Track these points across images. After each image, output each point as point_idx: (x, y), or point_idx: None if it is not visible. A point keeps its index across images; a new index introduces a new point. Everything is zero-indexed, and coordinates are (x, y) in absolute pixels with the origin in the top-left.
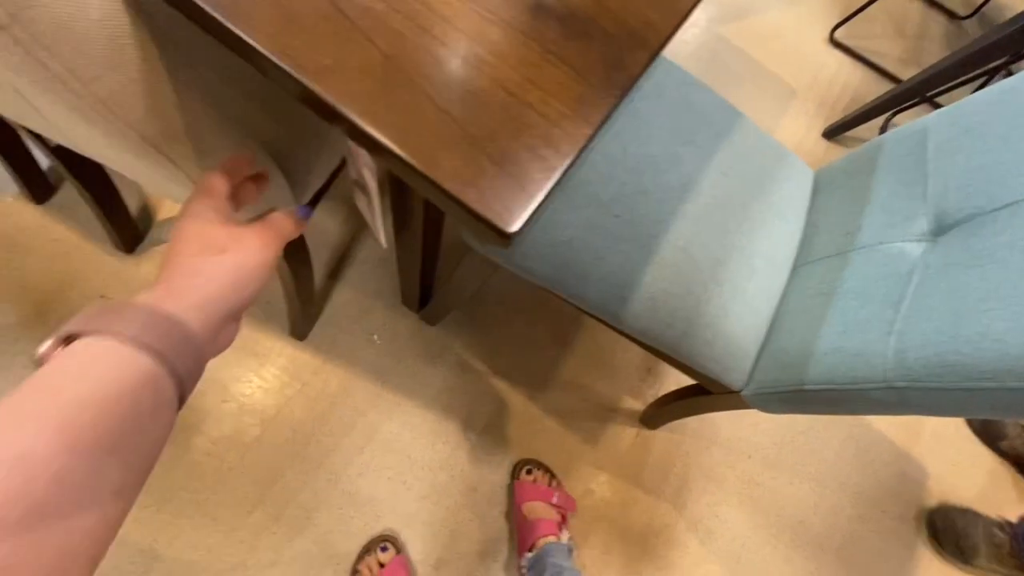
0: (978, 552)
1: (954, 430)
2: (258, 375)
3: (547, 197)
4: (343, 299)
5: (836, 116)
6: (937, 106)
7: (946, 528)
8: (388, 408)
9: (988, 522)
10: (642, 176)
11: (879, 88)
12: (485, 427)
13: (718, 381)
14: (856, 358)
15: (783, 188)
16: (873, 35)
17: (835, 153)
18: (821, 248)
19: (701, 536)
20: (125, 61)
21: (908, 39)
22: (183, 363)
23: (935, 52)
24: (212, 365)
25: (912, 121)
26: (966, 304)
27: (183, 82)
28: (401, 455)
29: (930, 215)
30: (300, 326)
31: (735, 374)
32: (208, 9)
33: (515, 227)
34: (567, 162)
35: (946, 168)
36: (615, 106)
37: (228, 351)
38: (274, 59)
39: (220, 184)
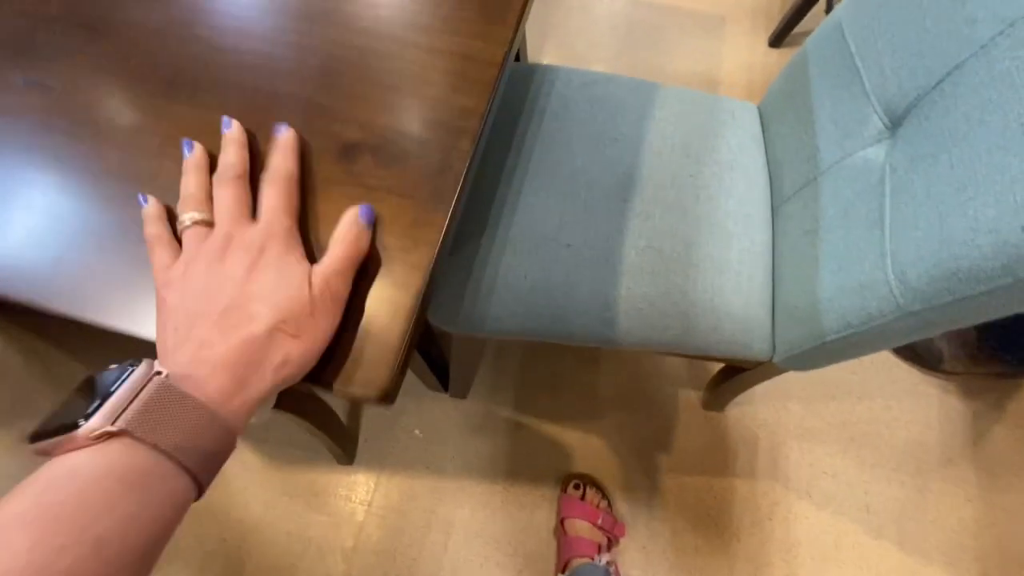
0: (942, 355)
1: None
2: (324, 513)
3: (410, 342)
4: (373, 410)
5: (775, 22)
6: None
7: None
8: (453, 496)
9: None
10: (578, 195)
11: None
12: (553, 476)
13: (744, 359)
14: (861, 294)
15: (728, 139)
16: None
17: (789, 58)
18: (790, 183)
19: (817, 500)
20: None
21: None
22: (207, 470)
23: None
24: (280, 518)
25: (823, 21)
26: (945, 200)
27: None
28: (483, 537)
29: (879, 111)
30: (344, 453)
31: (757, 346)
32: None
33: (388, 391)
34: (416, 299)
35: (873, 55)
36: (451, 213)
37: (287, 501)
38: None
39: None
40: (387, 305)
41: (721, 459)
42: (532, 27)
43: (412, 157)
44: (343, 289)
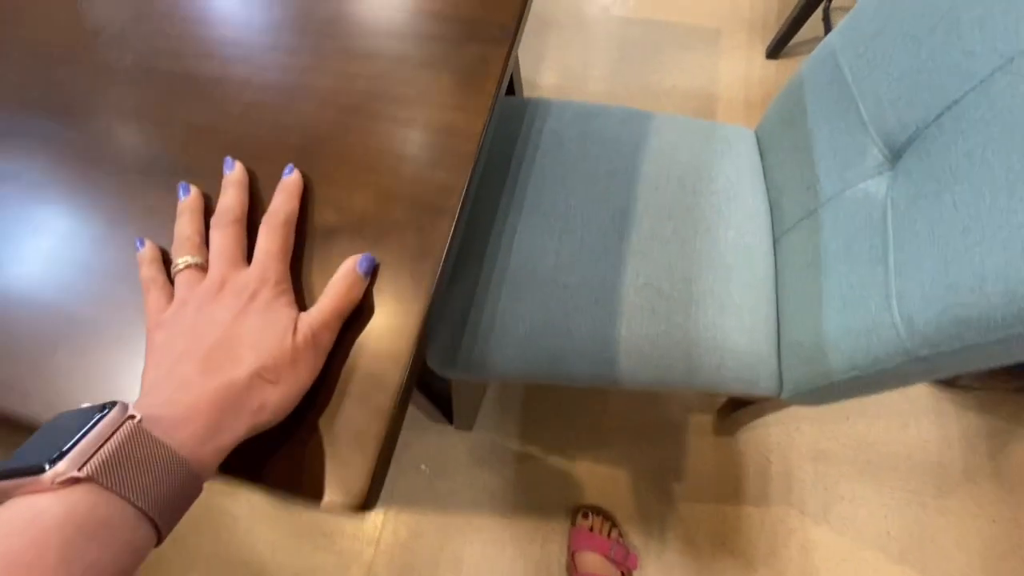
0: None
1: None
2: (331, 552)
3: (387, 444)
4: None
5: (772, 32)
6: None
7: None
8: (462, 531)
9: None
10: (574, 233)
11: None
12: (562, 508)
13: (751, 396)
14: (867, 336)
15: (725, 168)
16: None
17: (788, 68)
18: (791, 213)
19: (835, 526)
20: None
21: None
22: (170, 519)
23: None
24: (288, 559)
25: (817, 48)
26: (950, 243)
27: None
28: (494, 574)
29: (878, 142)
30: None
31: (764, 384)
32: None
33: (364, 501)
34: (394, 399)
35: (869, 85)
36: (428, 304)
37: (295, 542)
38: None
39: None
40: (371, 412)
41: (734, 485)
42: (527, 49)
43: (392, 238)
44: (327, 340)
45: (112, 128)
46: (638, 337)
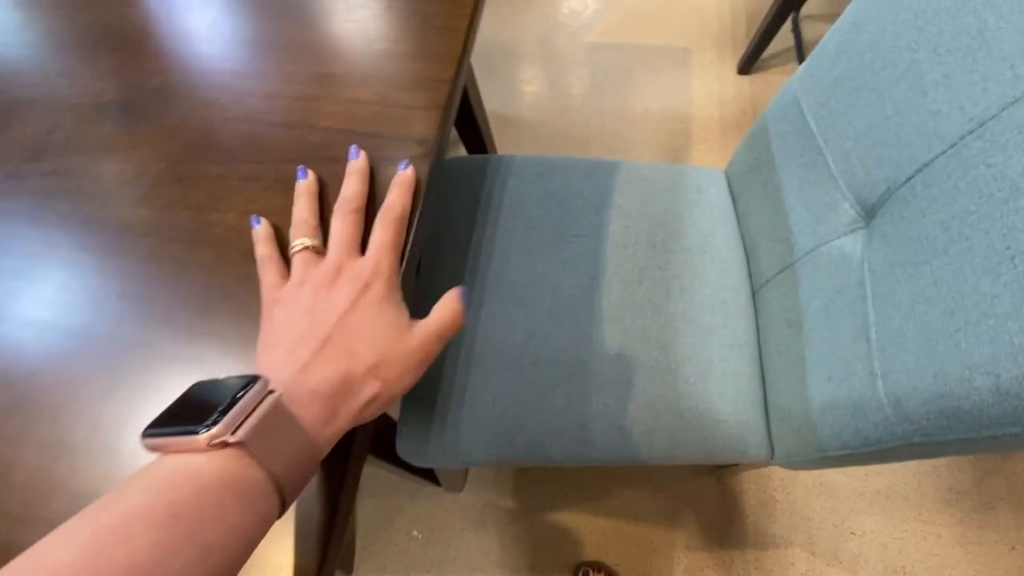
0: None
1: None
2: None
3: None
4: (366, 512)
5: (742, 47)
6: None
7: None
8: None
9: None
10: (542, 304)
11: None
12: (562, 566)
13: (741, 463)
14: (855, 414)
15: (696, 219)
16: None
17: (761, 84)
18: (768, 264)
19: (847, 564)
20: None
21: None
22: (293, 494)
23: None
24: None
25: (779, 91)
26: (932, 323)
27: None
28: None
29: (849, 197)
30: (343, 563)
31: (754, 451)
32: None
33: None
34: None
35: (835, 138)
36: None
37: None
38: None
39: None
40: None
41: (739, 528)
42: (498, 79)
43: None
44: (435, 352)
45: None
46: (616, 415)
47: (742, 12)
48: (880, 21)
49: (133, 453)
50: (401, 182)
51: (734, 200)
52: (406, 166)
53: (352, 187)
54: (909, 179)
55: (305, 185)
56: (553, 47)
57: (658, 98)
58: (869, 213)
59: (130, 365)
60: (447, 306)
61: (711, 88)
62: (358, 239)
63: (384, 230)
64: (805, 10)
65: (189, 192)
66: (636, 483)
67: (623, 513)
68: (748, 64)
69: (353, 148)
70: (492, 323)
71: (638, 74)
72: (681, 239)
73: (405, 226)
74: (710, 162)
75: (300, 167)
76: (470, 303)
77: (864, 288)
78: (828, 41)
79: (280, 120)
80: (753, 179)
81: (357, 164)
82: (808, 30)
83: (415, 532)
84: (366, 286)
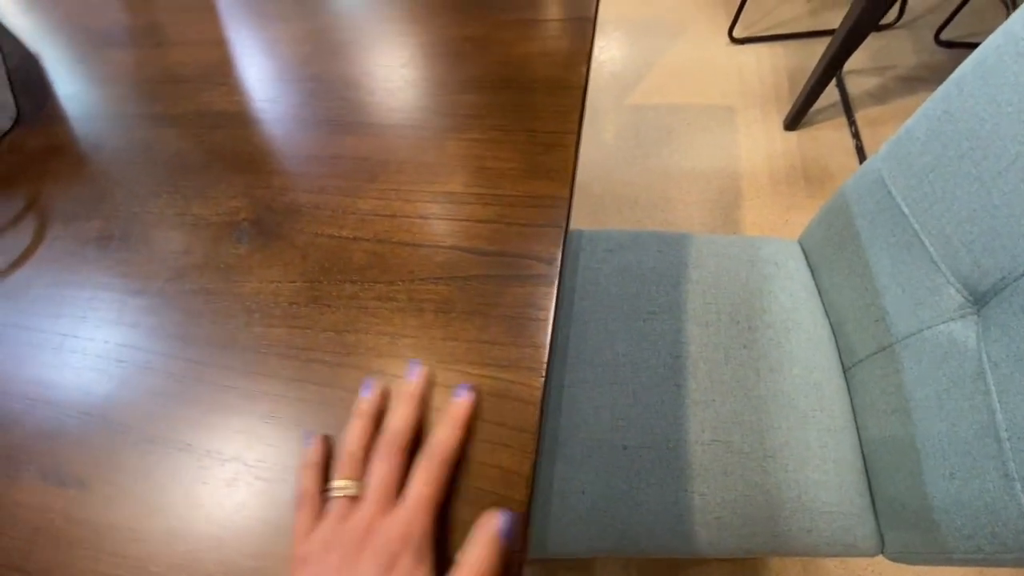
0: None
1: None
2: None
3: None
4: None
5: (786, 104)
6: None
7: None
8: None
9: None
10: (626, 385)
11: (809, 52)
12: None
13: (849, 556)
14: (989, 518)
15: (778, 295)
16: (768, 11)
17: (809, 139)
18: (861, 343)
19: None
20: None
21: None
22: None
23: None
24: None
25: (859, 169)
26: None
27: None
28: None
29: (955, 283)
30: None
31: (862, 544)
32: None
33: None
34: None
35: (932, 222)
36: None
37: None
38: None
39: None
40: None
41: None
42: None
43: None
44: None
45: None
46: (713, 505)
47: (783, 69)
48: (978, 112)
49: None
50: (454, 415)
51: (812, 272)
52: (464, 393)
53: (403, 418)
54: None
55: (366, 405)
56: (597, 110)
57: (705, 156)
58: (979, 300)
59: (288, 495)
60: (480, 552)
61: (758, 144)
62: (397, 485)
63: (427, 472)
64: (849, 65)
65: (325, 313)
66: (713, 561)
67: None
68: (795, 120)
69: (412, 367)
70: (576, 406)
71: (683, 133)
72: (764, 315)
73: (451, 469)
74: (764, 217)
75: (366, 380)
76: (511, 533)
77: (986, 382)
78: (915, 127)
79: (407, 240)
80: (835, 254)
81: (412, 388)
82: (852, 84)
83: None
84: (393, 560)
